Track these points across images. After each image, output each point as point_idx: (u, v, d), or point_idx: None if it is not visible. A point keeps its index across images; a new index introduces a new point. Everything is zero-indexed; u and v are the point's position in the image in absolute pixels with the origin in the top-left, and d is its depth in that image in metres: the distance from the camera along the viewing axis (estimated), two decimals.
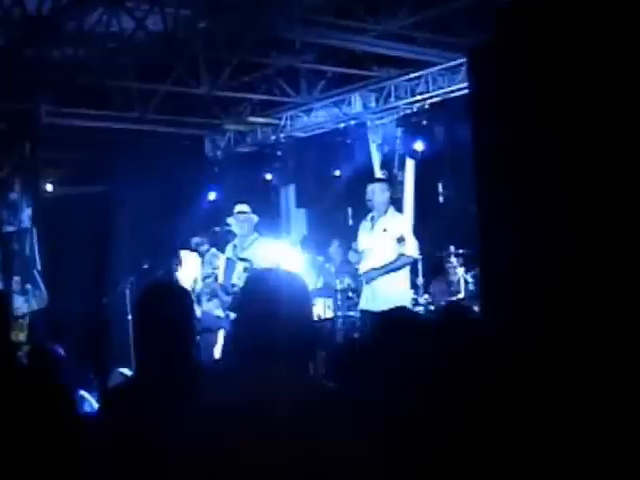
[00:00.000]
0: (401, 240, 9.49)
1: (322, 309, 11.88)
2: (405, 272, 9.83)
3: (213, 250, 11.99)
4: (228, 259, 10.55)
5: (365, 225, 9.89)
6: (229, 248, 10.72)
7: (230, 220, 10.77)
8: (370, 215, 9.81)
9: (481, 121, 5.15)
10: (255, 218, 10.77)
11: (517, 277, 4.83)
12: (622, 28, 4.44)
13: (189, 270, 11.60)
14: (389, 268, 9.56)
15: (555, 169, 4.69)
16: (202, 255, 12.23)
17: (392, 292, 9.52)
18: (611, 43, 4.48)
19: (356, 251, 10.12)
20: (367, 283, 9.75)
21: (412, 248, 9.69)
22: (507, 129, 4.90)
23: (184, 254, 12.02)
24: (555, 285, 4.64)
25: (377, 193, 9.76)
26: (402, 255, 9.58)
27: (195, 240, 12.57)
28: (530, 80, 4.75)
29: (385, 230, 9.63)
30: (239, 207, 10.82)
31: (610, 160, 4.49)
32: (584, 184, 4.57)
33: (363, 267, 9.84)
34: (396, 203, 13.58)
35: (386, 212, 9.80)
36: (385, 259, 9.59)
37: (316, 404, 2.68)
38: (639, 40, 4.39)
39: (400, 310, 3.92)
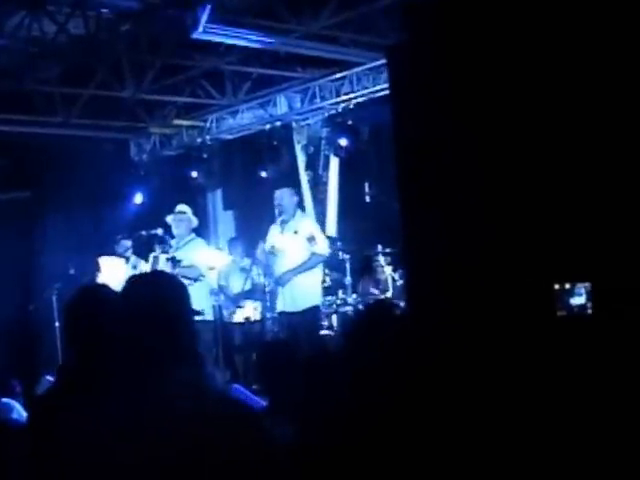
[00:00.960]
0: (312, 239, 9.84)
1: (250, 312, 11.91)
2: (318, 271, 10.34)
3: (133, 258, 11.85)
4: (155, 258, 10.57)
5: (275, 228, 10.17)
6: (163, 247, 10.77)
7: (169, 219, 10.80)
8: (280, 219, 10.03)
9: (400, 118, 5.22)
10: (194, 220, 10.87)
11: (439, 271, 4.92)
12: (531, 28, 4.55)
13: (116, 275, 11.49)
14: (303, 268, 9.93)
15: (471, 164, 4.78)
16: (127, 259, 12.14)
17: (309, 291, 10.00)
18: (520, 41, 4.59)
19: (266, 251, 10.29)
20: (282, 286, 9.98)
21: (323, 246, 10.12)
22: (424, 125, 4.97)
23: (104, 260, 11.85)
24: (474, 278, 4.73)
25: (285, 198, 10.13)
26: (314, 254, 9.96)
27: (123, 244, 12.43)
28: (445, 77, 4.83)
29: (296, 232, 9.94)
30: (180, 207, 10.91)
31: (522, 156, 4.60)
32: (499, 178, 4.67)
33: (277, 269, 10.08)
34: (321, 203, 13.71)
35: (294, 215, 10.14)
36: (298, 260, 9.93)
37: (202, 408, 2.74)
38: (548, 37, 4.49)
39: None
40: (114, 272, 11.20)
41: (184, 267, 10.15)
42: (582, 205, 4.53)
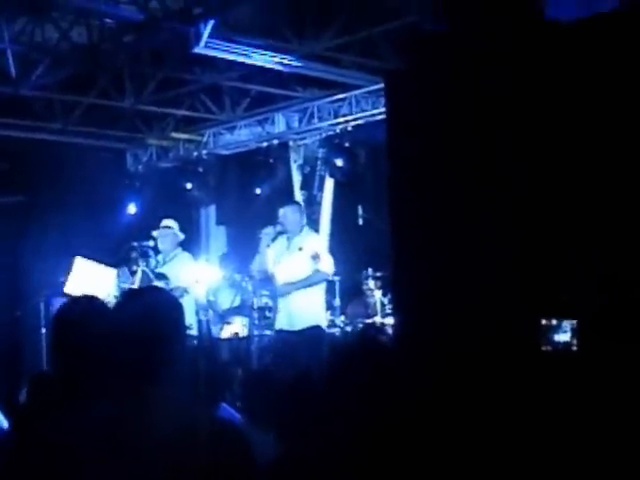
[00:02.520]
0: (316, 257, 9.59)
1: (239, 328, 11.88)
2: (321, 292, 9.94)
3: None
4: (144, 272, 10.54)
5: (281, 243, 9.91)
6: (152, 261, 10.73)
7: (155, 233, 10.78)
8: (285, 236, 9.87)
9: (394, 142, 5.25)
10: (180, 235, 10.83)
11: (427, 297, 4.93)
12: (531, 64, 4.60)
13: (105, 284, 11.39)
14: (304, 283, 9.65)
15: (463, 192, 4.81)
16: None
17: (308, 312, 9.65)
18: (519, 76, 4.64)
19: (263, 271, 10.17)
20: (281, 296, 9.82)
21: (327, 265, 9.82)
22: (418, 151, 5.00)
23: (81, 262, 11.56)
24: (462, 307, 4.74)
25: (289, 215, 9.88)
26: (317, 271, 9.69)
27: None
28: (441, 106, 4.86)
29: (301, 249, 9.72)
30: (166, 222, 10.86)
31: (515, 187, 4.63)
32: (491, 208, 4.70)
33: (279, 282, 9.90)
34: (314, 223, 13.69)
35: (301, 231, 9.91)
36: (300, 276, 9.67)
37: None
38: (542, 69, 4.54)
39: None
40: (105, 281, 11.04)
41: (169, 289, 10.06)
42: (572, 241, 4.55)
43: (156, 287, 8.70)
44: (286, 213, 9.87)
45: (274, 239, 9.92)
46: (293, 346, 9.45)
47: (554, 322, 4.45)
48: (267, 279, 10.39)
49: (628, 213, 4.39)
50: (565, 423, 4.43)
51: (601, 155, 4.47)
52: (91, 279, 10.87)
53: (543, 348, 4.48)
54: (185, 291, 10.31)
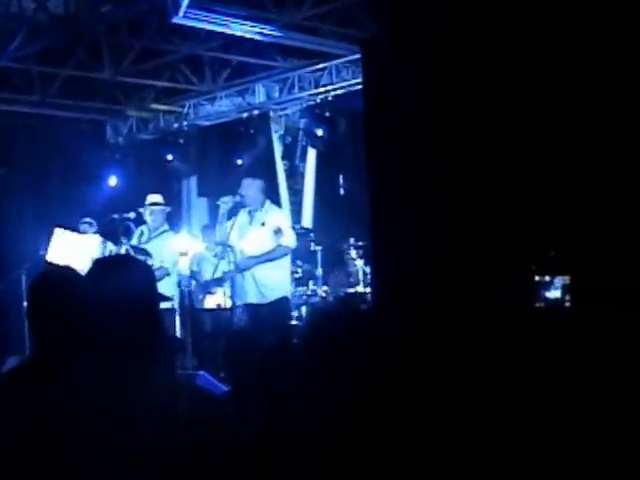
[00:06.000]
0: (278, 232, 9.69)
1: (220, 299, 11.88)
2: (286, 265, 10.18)
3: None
4: (126, 249, 10.50)
5: (243, 217, 9.96)
6: (136, 234, 10.70)
7: (145, 212, 10.71)
8: (247, 209, 9.90)
9: (371, 110, 5.24)
10: (167, 209, 10.81)
11: (408, 263, 4.94)
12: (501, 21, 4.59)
13: (88, 252, 11.29)
14: (267, 257, 9.79)
15: (441, 154, 4.81)
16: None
17: (277, 284, 9.92)
18: (493, 36, 4.63)
19: (220, 243, 10.19)
20: (242, 271, 9.87)
21: (290, 239, 9.96)
22: (395, 116, 4.99)
23: (61, 233, 11.48)
24: (446, 268, 4.75)
25: (250, 188, 9.93)
26: (279, 246, 9.83)
27: (88, 227, 12.25)
28: (416, 70, 4.86)
29: (263, 224, 9.79)
30: (152, 197, 10.80)
31: (496, 146, 4.63)
32: (472, 169, 4.70)
33: (242, 255, 9.97)
34: (297, 194, 13.68)
35: (263, 206, 9.97)
36: (262, 250, 9.80)
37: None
38: (515, 30, 4.54)
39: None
40: (77, 248, 10.93)
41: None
42: (563, 198, 4.55)
43: (128, 256, 8.67)
44: (247, 186, 9.89)
45: (235, 212, 9.95)
46: (264, 318, 9.60)
47: (547, 279, 4.46)
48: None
49: (622, 168, 4.40)
50: (559, 381, 4.43)
51: (588, 107, 4.47)
52: (73, 248, 10.82)
53: (537, 305, 4.50)
54: (167, 273, 10.27)
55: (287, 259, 10.17)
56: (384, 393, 3.25)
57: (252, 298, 9.93)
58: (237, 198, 9.89)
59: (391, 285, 5.14)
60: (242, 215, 10.03)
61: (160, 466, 2.61)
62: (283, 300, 10.05)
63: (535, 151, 4.58)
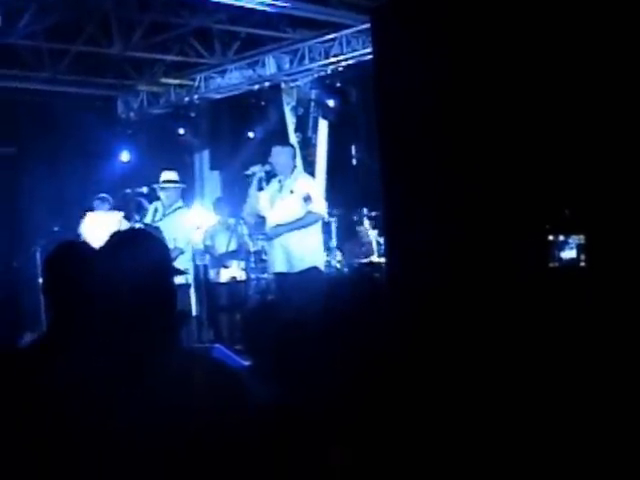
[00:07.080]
0: (307, 199, 9.41)
1: (236, 271, 11.89)
2: (317, 233, 9.79)
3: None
4: (145, 225, 10.45)
5: (273, 187, 9.76)
6: (150, 211, 10.67)
7: (160, 191, 10.67)
8: (277, 178, 9.74)
9: (381, 80, 5.20)
10: (182, 186, 10.77)
11: (421, 230, 4.91)
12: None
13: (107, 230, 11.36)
14: (296, 225, 9.47)
15: (454, 122, 4.77)
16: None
17: (305, 253, 9.51)
18: (502, 6, 4.59)
19: (255, 215, 10.07)
20: (271, 239, 9.68)
21: (320, 206, 9.65)
22: (405, 84, 4.95)
23: (93, 216, 11.76)
24: (459, 233, 4.73)
25: (279, 156, 9.66)
26: (310, 212, 9.49)
27: (102, 204, 12.28)
28: (429, 41, 4.81)
29: (292, 192, 9.55)
30: (166, 175, 10.74)
31: (510, 110, 4.59)
32: (479, 138, 4.67)
33: (270, 225, 9.74)
34: (310, 165, 13.63)
35: (292, 173, 9.73)
36: (292, 218, 9.50)
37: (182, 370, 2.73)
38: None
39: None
40: (105, 228, 11.03)
41: None
42: (576, 156, 4.52)
43: (142, 230, 8.64)
44: (277, 153, 9.71)
45: (267, 182, 9.82)
46: (291, 288, 9.39)
47: (561, 238, 4.42)
48: (261, 223, 10.31)
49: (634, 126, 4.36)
50: (575, 343, 4.40)
51: (601, 73, 4.43)
52: (101, 228, 10.90)
53: (551, 265, 4.46)
54: (181, 252, 10.22)
55: (318, 227, 9.78)
56: (398, 363, 3.25)
57: (280, 267, 9.60)
58: (267, 167, 9.75)
59: (406, 256, 5.11)
60: (273, 184, 9.79)
61: (177, 439, 2.60)
62: (312, 270, 9.56)
63: (550, 108, 4.54)
